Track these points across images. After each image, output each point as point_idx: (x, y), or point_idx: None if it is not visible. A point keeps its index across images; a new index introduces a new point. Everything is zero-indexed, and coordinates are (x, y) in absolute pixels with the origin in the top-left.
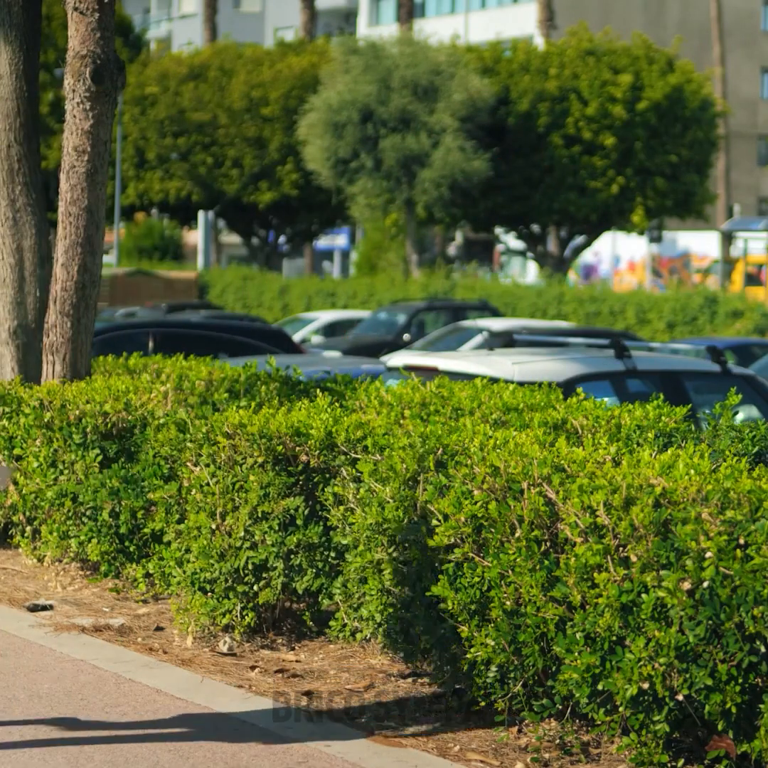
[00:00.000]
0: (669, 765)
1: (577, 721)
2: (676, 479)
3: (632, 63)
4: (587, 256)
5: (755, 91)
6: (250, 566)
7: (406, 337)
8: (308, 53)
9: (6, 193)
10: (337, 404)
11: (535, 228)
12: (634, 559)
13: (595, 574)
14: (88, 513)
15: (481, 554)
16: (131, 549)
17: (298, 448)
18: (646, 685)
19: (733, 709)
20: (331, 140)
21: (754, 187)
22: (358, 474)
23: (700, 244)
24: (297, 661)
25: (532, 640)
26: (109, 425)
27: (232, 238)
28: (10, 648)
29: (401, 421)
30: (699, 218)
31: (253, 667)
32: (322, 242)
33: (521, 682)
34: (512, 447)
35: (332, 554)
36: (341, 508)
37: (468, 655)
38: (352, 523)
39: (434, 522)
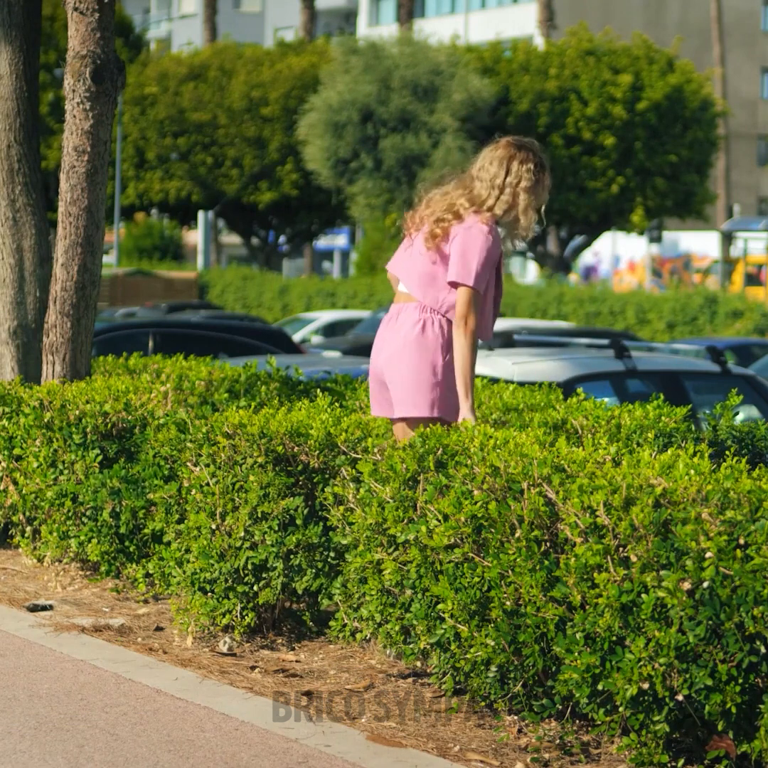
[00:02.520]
0: (669, 765)
1: (577, 721)
2: (676, 479)
3: (632, 63)
4: (587, 256)
5: (755, 91)
6: (249, 566)
7: None
8: (308, 53)
9: (6, 193)
10: (337, 404)
11: (535, 228)
12: (634, 559)
13: (595, 574)
14: (88, 513)
15: (481, 554)
16: (131, 549)
17: (297, 449)
18: (646, 685)
19: (733, 709)
20: (331, 140)
21: (754, 187)
22: (358, 474)
23: (700, 244)
24: (297, 661)
25: (532, 640)
26: (109, 425)
27: (232, 238)
28: (10, 648)
29: None
30: (699, 218)
31: (253, 667)
32: (322, 242)
33: (521, 682)
34: (512, 447)
35: (332, 554)
36: (341, 508)
37: (468, 655)
38: (352, 523)
39: (434, 522)
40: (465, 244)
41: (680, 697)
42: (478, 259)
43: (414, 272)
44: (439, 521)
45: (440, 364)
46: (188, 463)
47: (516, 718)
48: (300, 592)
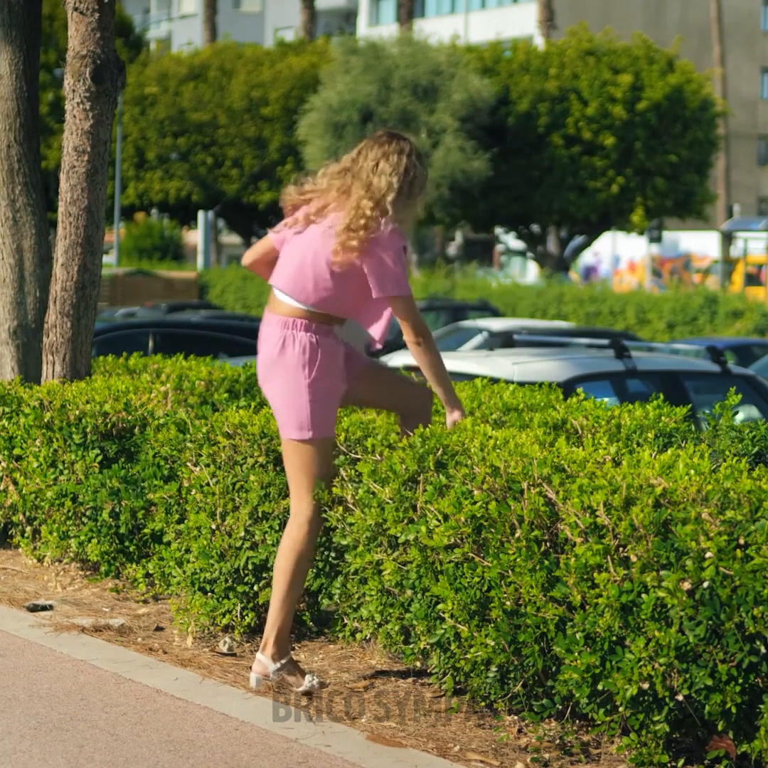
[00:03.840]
0: (669, 765)
1: (577, 721)
2: (676, 479)
3: (632, 63)
4: (587, 256)
5: (755, 91)
6: (250, 566)
7: None
8: (308, 53)
9: (6, 193)
10: None
11: (535, 228)
12: (634, 559)
13: (595, 574)
14: (88, 513)
15: (481, 554)
16: (131, 549)
17: None
18: (646, 685)
19: (733, 709)
20: (331, 140)
21: (754, 187)
22: (358, 474)
23: (700, 244)
24: (297, 661)
25: (532, 640)
26: (109, 425)
27: (232, 238)
28: (10, 648)
29: None
30: (699, 218)
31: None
32: None
33: (521, 682)
34: (512, 447)
35: (332, 554)
36: (340, 508)
37: (468, 655)
38: (352, 523)
39: (434, 522)
40: (383, 258)
41: (680, 697)
42: (400, 266)
43: (294, 265)
44: (439, 521)
45: (304, 385)
46: (188, 463)
47: (516, 718)
48: None
